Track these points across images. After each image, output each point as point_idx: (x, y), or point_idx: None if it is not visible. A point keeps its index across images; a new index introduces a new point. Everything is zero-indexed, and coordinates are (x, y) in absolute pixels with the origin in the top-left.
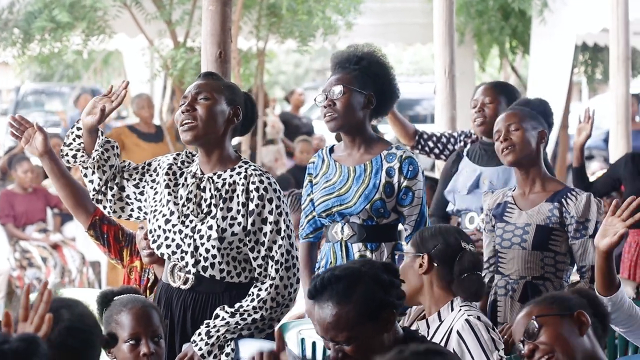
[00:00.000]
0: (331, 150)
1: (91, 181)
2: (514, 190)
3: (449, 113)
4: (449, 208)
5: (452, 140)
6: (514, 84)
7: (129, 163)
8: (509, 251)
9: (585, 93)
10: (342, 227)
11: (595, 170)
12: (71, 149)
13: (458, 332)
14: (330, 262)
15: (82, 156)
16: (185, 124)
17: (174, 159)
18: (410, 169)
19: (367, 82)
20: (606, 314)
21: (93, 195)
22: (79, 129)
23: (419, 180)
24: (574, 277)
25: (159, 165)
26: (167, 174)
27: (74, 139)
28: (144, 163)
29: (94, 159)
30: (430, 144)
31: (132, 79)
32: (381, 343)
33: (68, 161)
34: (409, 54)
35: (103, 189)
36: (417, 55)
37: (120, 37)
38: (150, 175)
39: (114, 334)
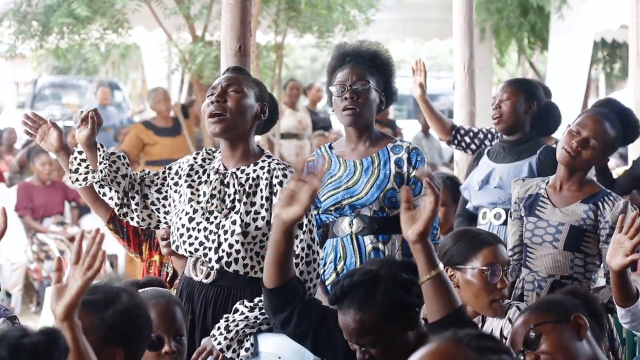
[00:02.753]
0: (330, 147)
1: (111, 198)
2: (547, 183)
3: (468, 108)
4: (468, 205)
5: (489, 136)
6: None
7: (149, 171)
8: (539, 248)
9: (603, 89)
10: (352, 221)
11: (612, 167)
12: (80, 174)
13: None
14: (340, 257)
15: (93, 177)
16: (215, 115)
17: (194, 158)
18: (418, 159)
19: (380, 81)
20: (601, 312)
21: (118, 210)
22: (80, 152)
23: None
24: (600, 281)
25: (179, 167)
26: (188, 175)
27: (79, 164)
28: (164, 168)
29: (102, 172)
30: (467, 139)
31: (150, 73)
32: (406, 341)
33: (80, 184)
34: (426, 49)
35: (125, 200)
36: (434, 50)
37: (138, 30)
38: (172, 179)
39: (161, 337)
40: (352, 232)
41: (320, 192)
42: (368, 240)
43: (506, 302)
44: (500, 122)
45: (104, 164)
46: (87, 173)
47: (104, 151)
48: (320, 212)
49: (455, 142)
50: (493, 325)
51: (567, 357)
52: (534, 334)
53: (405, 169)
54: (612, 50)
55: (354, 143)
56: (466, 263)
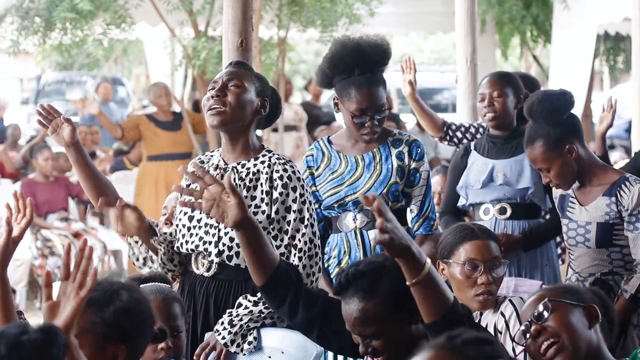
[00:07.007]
0: (329, 141)
1: (172, 260)
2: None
3: (471, 102)
4: (460, 203)
5: (480, 130)
6: (535, 74)
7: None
8: (575, 249)
9: (607, 82)
10: (355, 216)
11: (616, 160)
12: (149, 262)
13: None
14: (344, 252)
15: (165, 255)
16: (214, 108)
17: (192, 164)
18: (418, 151)
19: (386, 86)
20: (615, 320)
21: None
22: (133, 254)
23: (425, 162)
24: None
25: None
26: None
27: (142, 256)
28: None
29: (163, 249)
30: (459, 134)
31: (154, 68)
32: (409, 334)
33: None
34: (429, 43)
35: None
36: (438, 44)
37: (141, 25)
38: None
39: (164, 330)
40: (356, 227)
41: (322, 189)
42: (372, 234)
43: (500, 296)
44: (495, 119)
45: (162, 244)
46: (150, 258)
47: (157, 233)
48: (322, 207)
49: (447, 138)
50: (487, 320)
51: (571, 338)
52: (546, 307)
53: (406, 162)
54: (616, 43)
55: (355, 138)
56: (451, 257)
